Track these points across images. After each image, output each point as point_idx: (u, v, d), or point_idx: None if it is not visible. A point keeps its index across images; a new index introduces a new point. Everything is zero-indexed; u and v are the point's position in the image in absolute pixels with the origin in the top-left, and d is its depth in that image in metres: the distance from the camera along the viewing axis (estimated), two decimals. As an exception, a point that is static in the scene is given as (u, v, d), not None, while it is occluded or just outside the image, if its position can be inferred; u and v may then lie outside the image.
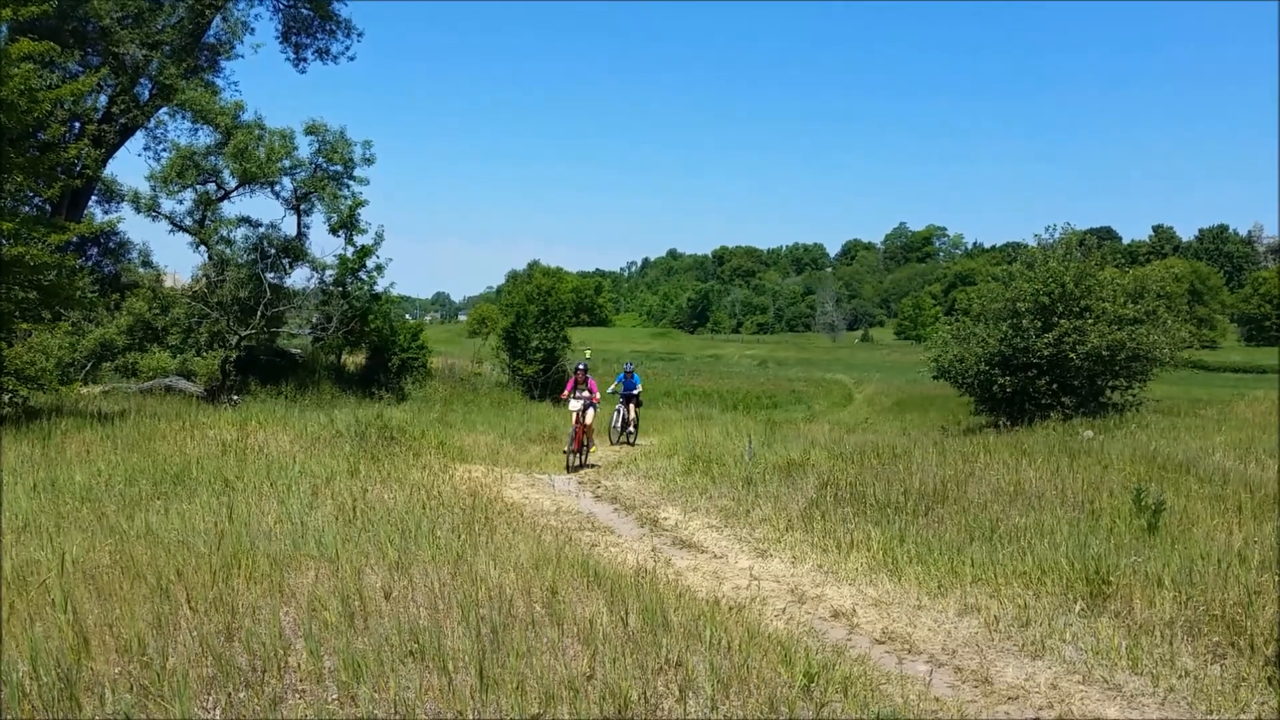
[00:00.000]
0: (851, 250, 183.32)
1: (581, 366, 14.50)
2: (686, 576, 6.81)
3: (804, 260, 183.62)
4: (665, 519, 9.07)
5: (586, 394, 14.37)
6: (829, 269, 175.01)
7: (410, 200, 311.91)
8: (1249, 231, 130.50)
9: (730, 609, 5.61)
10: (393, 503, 7.85)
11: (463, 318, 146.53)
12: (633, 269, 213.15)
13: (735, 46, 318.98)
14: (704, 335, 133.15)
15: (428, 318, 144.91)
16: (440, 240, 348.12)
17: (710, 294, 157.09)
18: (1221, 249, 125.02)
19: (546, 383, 27.59)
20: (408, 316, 41.76)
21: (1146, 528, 7.41)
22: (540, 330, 28.84)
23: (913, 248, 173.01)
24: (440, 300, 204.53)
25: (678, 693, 3.88)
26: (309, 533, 6.42)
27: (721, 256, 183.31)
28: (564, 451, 14.52)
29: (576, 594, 5.17)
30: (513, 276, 72.91)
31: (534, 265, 50.87)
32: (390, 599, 4.81)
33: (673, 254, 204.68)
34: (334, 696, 3.73)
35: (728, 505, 9.33)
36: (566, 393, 14.40)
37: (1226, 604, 5.46)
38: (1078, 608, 5.86)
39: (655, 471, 11.74)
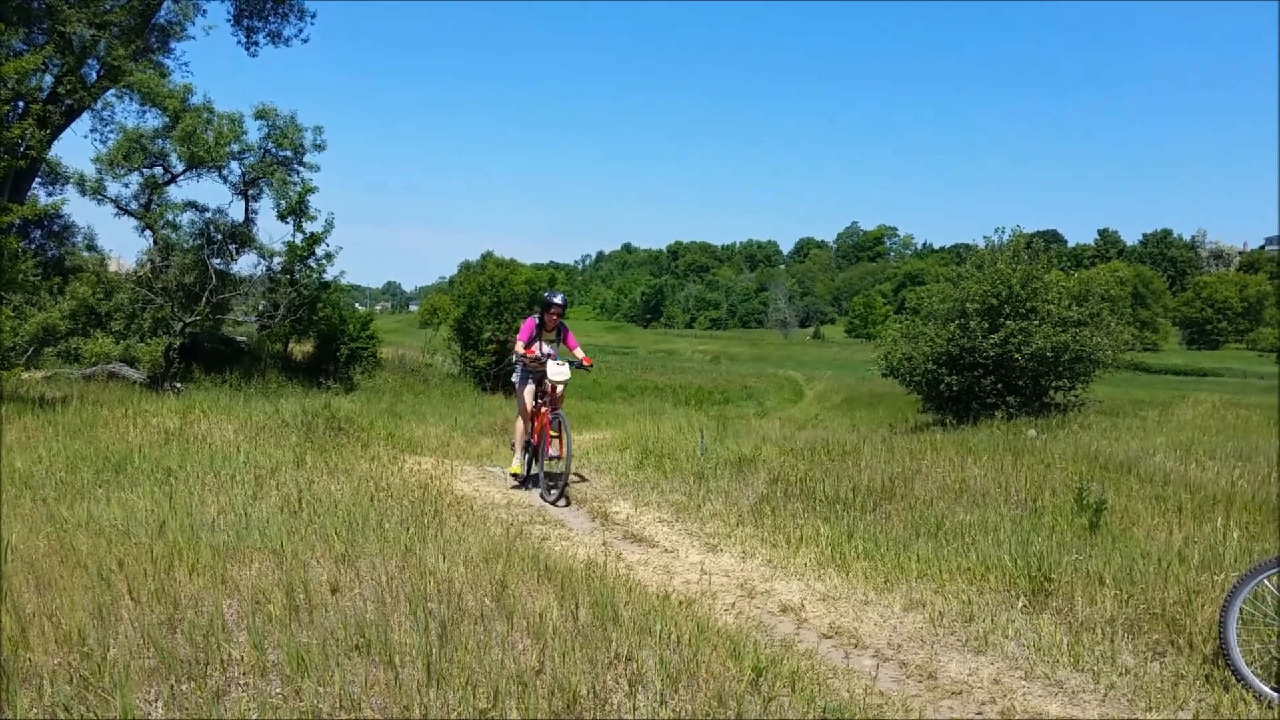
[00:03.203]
0: (804, 248, 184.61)
1: (559, 301, 9.74)
2: (637, 571, 6.81)
3: (757, 257, 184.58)
4: (617, 513, 9.06)
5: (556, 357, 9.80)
6: (782, 266, 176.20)
7: (363, 188, 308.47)
8: (1192, 237, 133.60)
9: (680, 603, 5.63)
10: (340, 494, 7.76)
11: (414, 308, 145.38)
12: (587, 262, 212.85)
13: (689, 41, 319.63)
14: (658, 330, 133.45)
15: (378, 307, 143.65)
16: (393, 229, 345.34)
17: (664, 289, 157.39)
18: (1165, 253, 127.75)
19: (499, 375, 27.44)
20: (357, 306, 41.24)
21: (1088, 526, 7.54)
22: (493, 321, 28.67)
23: (864, 247, 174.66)
24: (391, 290, 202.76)
25: (627, 687, 3.87)
26: (253, 524, 6.32)
27: (676, 251, 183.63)
28: (511, 445, 10.52)
29: (527, 588, 5.14)
30: (466, 267, 72.55)
31: (487, 256, 50.55)
32: (336, 592, 4.76)
33: (627, 248, 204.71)
34: (278, 690, 3.68)
35: (679, 500, 9.34)
36: (523, 348, 9.57)
37: (1166, 602, 5.57)
38: (1020, 604, 5.95)
39: (607, 465, 11.72)
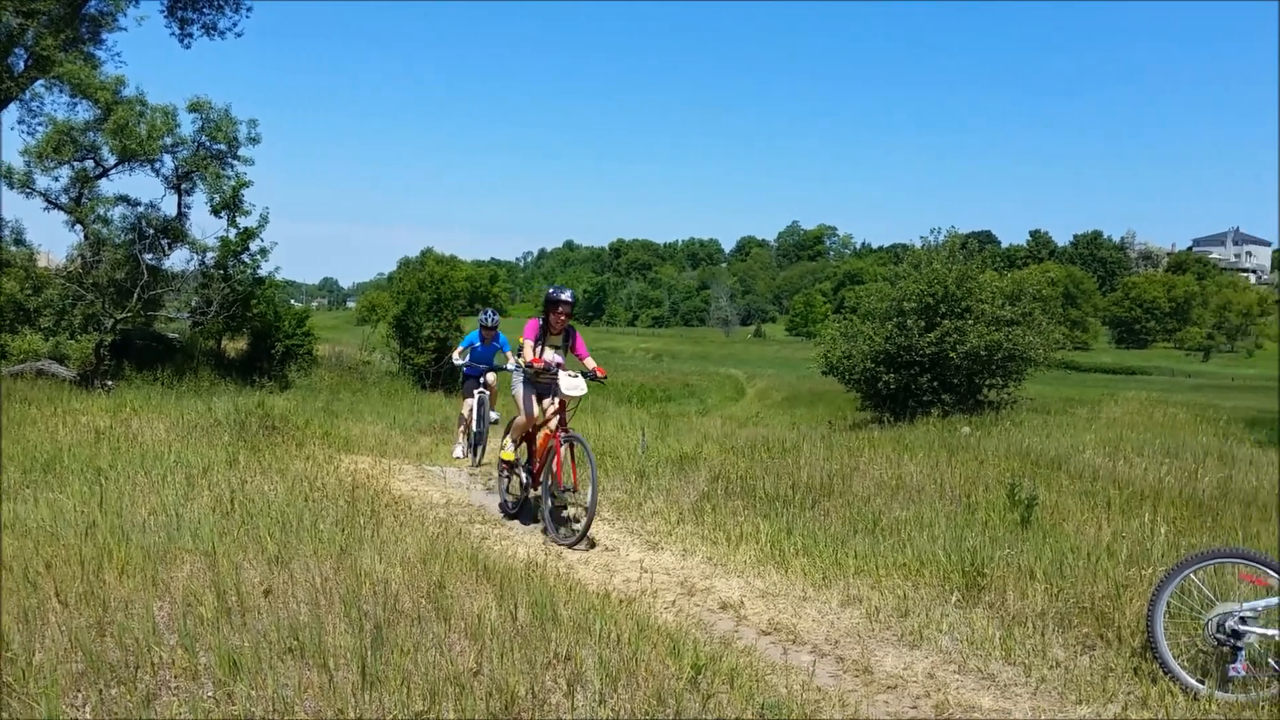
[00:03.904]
0: (746, 247, 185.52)
1: (567, 298, 8.24)
2: (578, 569, 6.81)
3: (699, 255, 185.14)
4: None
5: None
6: (724, 264, 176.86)
7: (299, 183, 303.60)
8: (1122, 238, 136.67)
9: (621, 602, 5.63)
10: (273, 495, 7.63)
11: (351, 304, 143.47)
12: (529, 259, 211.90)
13: (630, 38, 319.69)
14: (599, 327, 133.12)
15: (314, 304, 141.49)
16: (330, 224, 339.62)
17: (606, 286, 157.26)
18: (1095, 254, 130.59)
19: (438, 372, 27.21)
20: (293, 302, 40.59)
21: (1020, 522, 7.70)
22: (433, 319, 28.42)
23: (804, 246, 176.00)
24: (328, 286, 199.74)
25: (566, 687, 3.87)
26: (185, 525, 6.20)
27: (618, 249, 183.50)
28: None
29: (465, 588, 5.11)
30: (405, 263, 71.62)
31: (427, 252, 49.94)
32: (269, 594, 4.68)
33: (569, 245, 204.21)
34: (210, 694, 3.62)
35: (620, 498, 9.35)
36: (531, 353, 8.00)
37: (1096, 596, 5.71)
38: (954, 599, 6.06)
39: (547, 463, 11.68)
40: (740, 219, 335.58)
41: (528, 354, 7.99)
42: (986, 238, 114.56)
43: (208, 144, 22.58)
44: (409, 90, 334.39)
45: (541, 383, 8.21)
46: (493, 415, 12.16)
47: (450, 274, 30.60)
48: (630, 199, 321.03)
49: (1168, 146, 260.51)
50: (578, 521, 7.96)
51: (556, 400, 8.10)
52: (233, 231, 22.77)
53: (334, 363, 28.71)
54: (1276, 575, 4.74)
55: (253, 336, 24.76)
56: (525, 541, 7.63)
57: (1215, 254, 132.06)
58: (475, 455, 11.87)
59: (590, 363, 8.32)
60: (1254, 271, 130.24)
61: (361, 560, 5.39)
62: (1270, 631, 4.64)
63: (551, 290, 8.32)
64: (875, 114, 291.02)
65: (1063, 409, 21.80)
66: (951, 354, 19.50)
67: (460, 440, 12.50)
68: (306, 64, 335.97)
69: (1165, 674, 4.72)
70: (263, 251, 23.28)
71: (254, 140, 23.04)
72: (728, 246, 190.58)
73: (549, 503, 8.03)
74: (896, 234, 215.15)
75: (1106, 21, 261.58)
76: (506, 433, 8.88)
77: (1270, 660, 4.64)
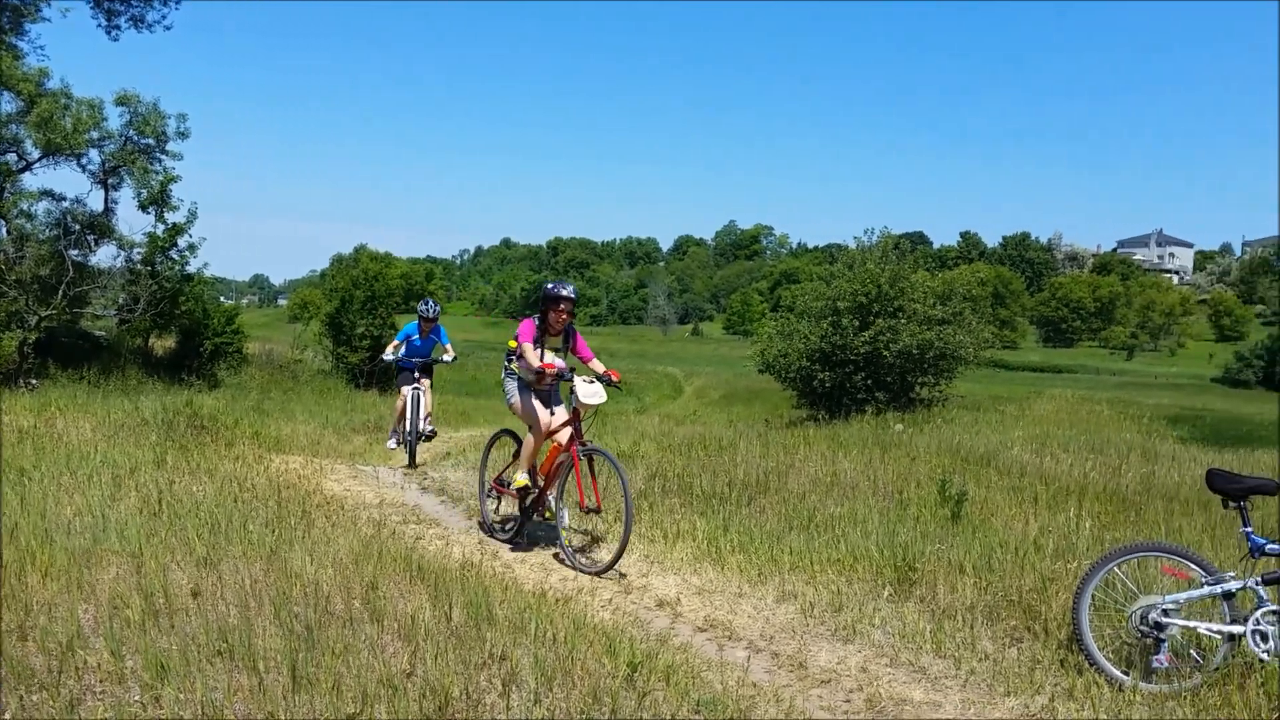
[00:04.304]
0: (684, 245, 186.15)
1: (568, 293, 7.25)
2: (514, 569, 6.79)
3: (637, 254, 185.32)
4: (494, 510, 8.99)
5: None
6: (662, 263, 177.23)
7: (230, 178, 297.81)
8: (1049, 239, 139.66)
9: (557, 601, 5.63)
10: (202, 495, 7.47)
11: (283, 302, 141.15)
12: (465, 257, 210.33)
13: (571, 36, 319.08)
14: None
15: (244, 301, 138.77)
16: (261, 220, 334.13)
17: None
18: (1024, 255, 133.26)
19: (373, 371, 26.91)
20: (222, 299, 39.84)
21: (950, 517, 7.85)
22: (367, 316, 28.12)
23: (742, 245, 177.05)
24: (259, 283, 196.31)
25: (500, 687, 3.85)
26: (111, 526, 6.05)
27: (556, 247, 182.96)
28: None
29: (399, 589, 5.07)
30: (338, 260, 70.57)
31: (361, 249, 49.25)
32: (198, 596, 4.60)
33: (507, 243, 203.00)
34: (136, 697, 3.54)
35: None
36: (534, 358, 7.08)
37: (1023, 590, 5.84)
38: (886, 593, 6.15)
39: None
40: (678, 218, 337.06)
41: (532, 358, 7.01)
42: (919, 238, 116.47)
43: (135, 138, 22.06)
44: (344, 85, 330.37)
45: (542, 388, 7.35)
46: (427, 427, 11.53)
47: (385, 271, 30.28)
48: (568, 197, 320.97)
49: (1095, 149, 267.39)
50: (598, 545, 7.49)
51: (563, 410, 7.35)
52: (160, 227, 22.29)
53: (265, 361, 28.21)
54: (1198, 568, 4.89)
55: (181, 334, 24.26)
56: (461, 541, 7.58)
57: (1139, 255, 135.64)
58: (410, 456, 11.40)
59: (599, 365, 7.38)
60: (1176, 272, 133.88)
61: (292, 561, 5.31)
62: (1192, 623, 4.78)
63: (550, 285, 7.28)
64: (811, 115, 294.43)
65: (992, 406, 22.26)
66: (885, 352, 19.80)
67: (395, 431, 11.99)
68: (242, 59, 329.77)
69: (1091, 665, 4.85)
70: (191, 247, 22.83)
71: (183, 135, 22.58)
72: (666, 245, 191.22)
73: (564, 521, 7.21)
74: (832, 234, 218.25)
75: (1034, 25, 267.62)
76: (512, 459, 7.72)
77: (1192, 651, 4.78)
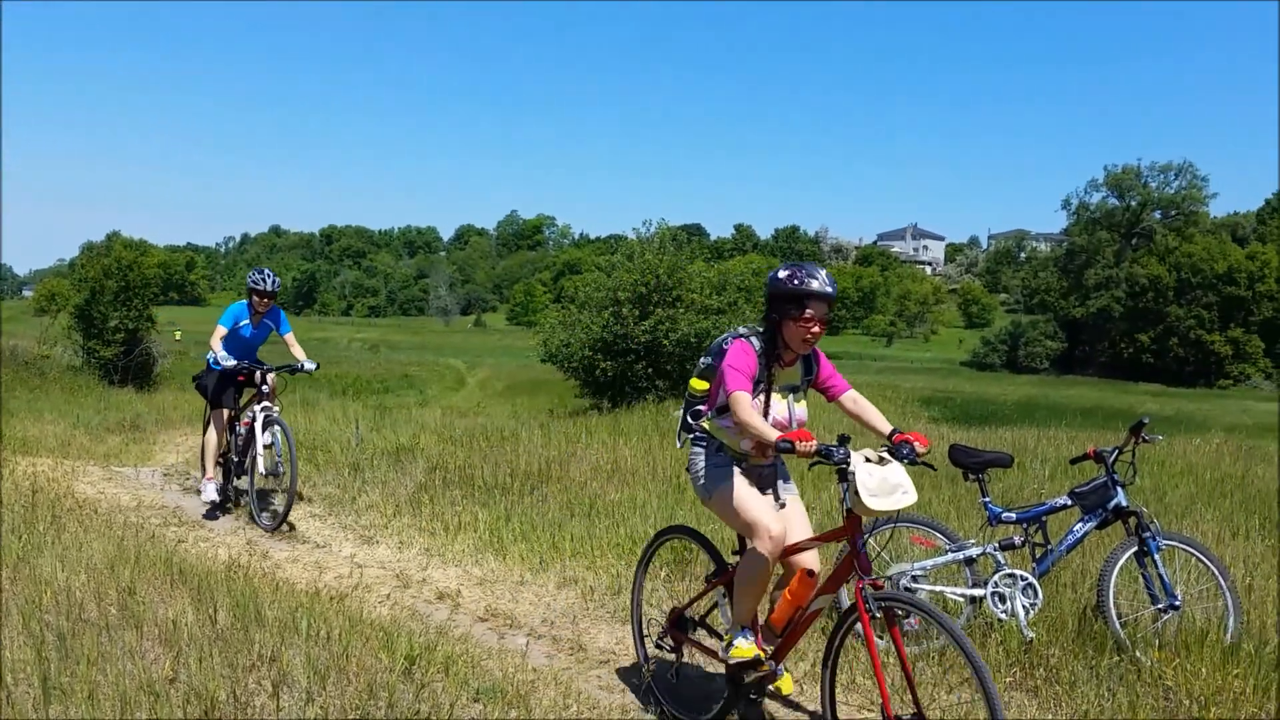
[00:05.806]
0: (465, 235, 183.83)
1: (827, 287, 3.91)
2: (285, 569, 6.54)
3: (417, 243, 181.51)
4: (263, 510, 8.62)
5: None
6: (443, 253, 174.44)
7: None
8: (816, 233, 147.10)
9: (331, 599, 5.48)
10: (-68, 504, 6.80)
11: (28, 293, 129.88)
12: (231, 245, 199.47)
13: (346, 16, 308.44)
14: (311, 317, 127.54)
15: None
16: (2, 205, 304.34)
17: (318, 274, 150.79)
18: (793, 247, 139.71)
19: (129, 366, 25.14)
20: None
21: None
22: (120, 308, 26.23)
23: (524, 235, 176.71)
24: (1, 274, 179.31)
25: (271, 688, 3.72)
26: None
27: (330, 235, 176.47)
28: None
29: (159, 593, 4.79)
30: (89, 248, 65.48)
31: (114, 236, 45.89)
32: (-75, 614, 4.19)
33: (276, 230, 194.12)
34: None
35: (333, 493, 9.05)
36: (747, 413, 3.82)
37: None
38: (663, 575, 6.34)
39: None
40: (459, 207, 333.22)
41: (757, 424, 3.86)
42: (696, 230, 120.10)
43: None
44: (99, 58, 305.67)
45: (763, 462, 4.25)
46: (278, 463, 7.81)
47: (140, 260, 28.29)
48: (341, 184, 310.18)
49: (858, 145, 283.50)
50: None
51: (795, 498, 4.34)
52: None
53: (8, 357, 25.77)
54: (943, 537, 5.34)
55: (-96, 329, 21.90)
56: (227, 543, 7.23)
57: (896, 248, 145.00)
58: (283, 515, 7.64)
59: (873, 413, 4.44)
60: (929, 264, 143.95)
61: (41, 568, 4.94)
62: (939, 588, 5.24)
63: (785, 274, 4.02)
64: (594, 107, 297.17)
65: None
66: (665, 341, 20.27)
67: (212, 476, 8.27)
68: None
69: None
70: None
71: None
72: (446, 235, 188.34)
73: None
74: (613, 225, 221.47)
75: (811, 23, 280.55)
76: (726, 595, 4.30)
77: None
